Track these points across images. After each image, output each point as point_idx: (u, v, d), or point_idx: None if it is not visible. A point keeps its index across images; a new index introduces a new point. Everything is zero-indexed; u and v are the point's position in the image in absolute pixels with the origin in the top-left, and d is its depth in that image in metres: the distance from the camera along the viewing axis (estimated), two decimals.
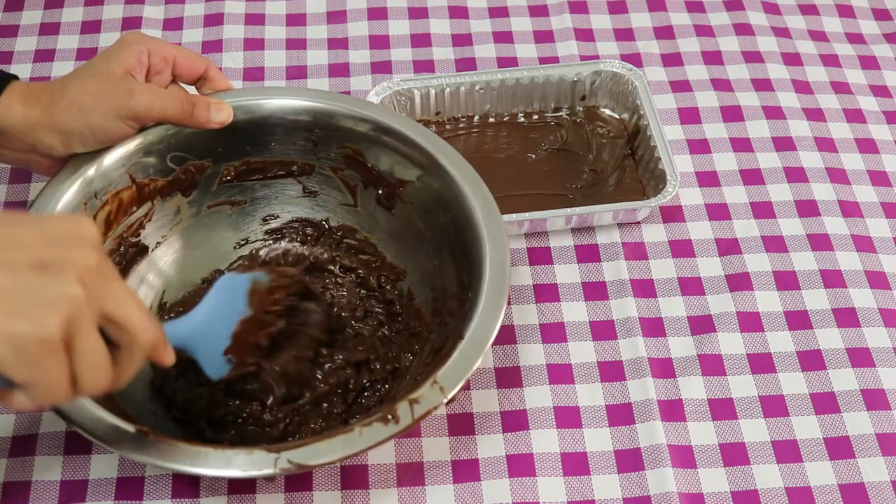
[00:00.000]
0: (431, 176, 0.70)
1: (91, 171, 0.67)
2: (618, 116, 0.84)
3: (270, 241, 0.76)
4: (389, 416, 0.58)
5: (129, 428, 0.57)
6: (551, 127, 0.84)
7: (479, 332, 0.61)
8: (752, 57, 0.91)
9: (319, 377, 0.68)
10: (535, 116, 0.85)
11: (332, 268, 0.75)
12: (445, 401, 0.59)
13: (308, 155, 0.74)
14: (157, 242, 0.72)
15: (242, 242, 0.76)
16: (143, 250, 0.71)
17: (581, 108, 0.85)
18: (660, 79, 0.89)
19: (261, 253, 0.75)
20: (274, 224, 0.76)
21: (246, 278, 0.66)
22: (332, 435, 0.57)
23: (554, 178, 0.81)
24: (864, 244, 0.79)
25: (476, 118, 0.85)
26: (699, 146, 0.84)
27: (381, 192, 0.73)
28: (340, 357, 0.69)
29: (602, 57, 0.90)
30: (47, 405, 0.54)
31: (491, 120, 0.85)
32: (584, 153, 0.82)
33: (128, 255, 0.71)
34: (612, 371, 0.71)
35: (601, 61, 0.84)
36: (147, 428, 0.57)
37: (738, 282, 0.76)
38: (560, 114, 0.85)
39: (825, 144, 0.85)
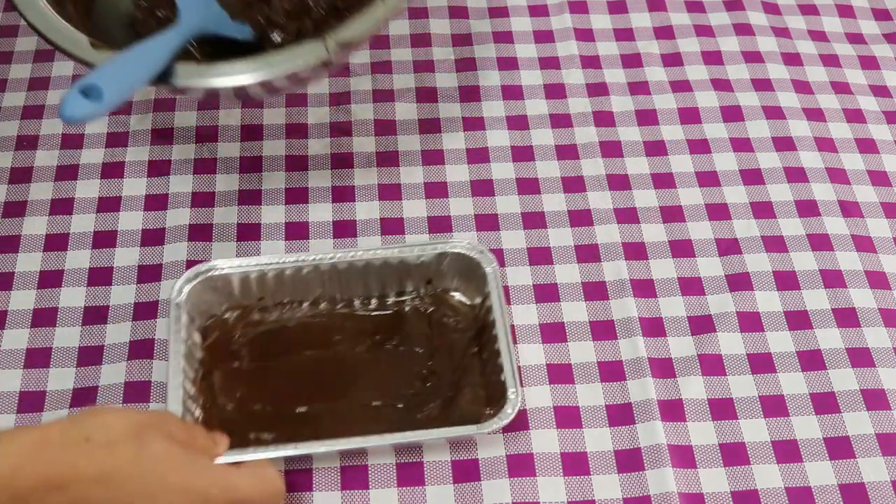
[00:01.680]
0: None
1: None
2: (468, 302, 0.73)
3: None
4: None
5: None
6: (390, 316, 0.73)
7: None
8: (752, 57, 0.91)
9: (311, 4, 0.76)
10: (375, 302, 0.73)
11: None
12: None
13: None
14: None
15: None
16: None
17: (428, 294, 0.73)
18: (660, 79, 0.89)
19: None
20: None
21: None
22: (363, 12, 0.66)
23: (386, 382, 0.70)
24: (864, 244, 0.79)
25: (305, 304, 0.73)
26: (699, 146, 0.84)
27: None
28: None
29: (458, 233, 0.74)
30: None
31: (322, 306, 0.73)
32: (425, 350, 0.71)
33: None
34: (612, 371, 0.71)
35: (448, 242, 0.72)
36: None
37: (738, 282, 0.76)
38: (403, 298, 0.73)
39: (825, 144, 0.85)
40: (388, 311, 0.73)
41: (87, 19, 0.74)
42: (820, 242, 0.78)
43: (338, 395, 0.69)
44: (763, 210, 0.80)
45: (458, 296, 0.73)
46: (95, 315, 0.73)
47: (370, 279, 0.73)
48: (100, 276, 0.75)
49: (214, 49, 0.75)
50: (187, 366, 0.67)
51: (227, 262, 0.71)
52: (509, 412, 0.65)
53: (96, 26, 0.74)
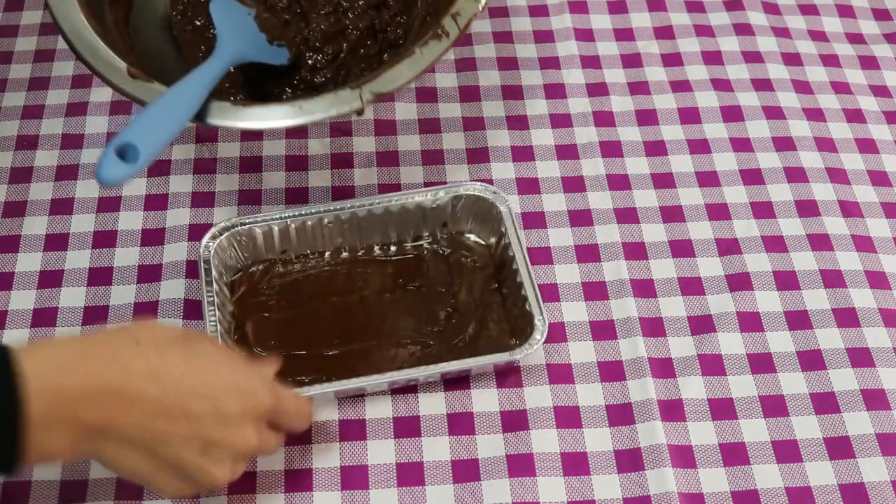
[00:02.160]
0: None
1: None
2: (483, 242, 0.76)
3: None
4: (440, 32, 0.67)
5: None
6: (410, 260, 0.76)
7: None
8: (752, 57, 0.91)
9: (349, 25, 0.77)
10: (394, 248, 0.76)
11: None
12: (481, 6, 0.67)
13: None
14: None
15: None
16: None
17: (443, 237, 0.76)
18: (660, 79, 0.89)
19: None
20: None
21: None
22: (398, 61, 0.67)
23: (413, 322, 0.73)
24: (864, 244, 0.79)
25: (327, 254, 0.75)
26: (699, 146, 0.84)
27: None
28: (360, 1, 0.77)
29: (472, 175, 0.78)
30: None
31: (344, 255, 0.75)
32: (447, 290, 0.74)
33: None
34: (612, 371, 0.71)
35: (462, 185, 0.75)
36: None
37: (738, 282, 0.76)
38: (420, 243, 0.76)
39: (825, 144, 0.85)
40: (408, 256, 0.76)
41: (125, 26, 0.75)
42: (820, 242, 0.78)
43: (367, 337, 0.72)
44: (763, 210, 0.80)
45: (473, 237, 0.76)
46: (95, 315, 0.73)
47: (389, 226, 0.76)
48: (100, 276, 0.75)
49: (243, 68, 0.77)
50: (221, 317, 0.70)
51: (251, 217, 0.74)
52: (538, 338, 0.68)
53: (134, 27, 0.76)
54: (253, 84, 0.78)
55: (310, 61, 0.78)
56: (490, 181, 0.80)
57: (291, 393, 0.63)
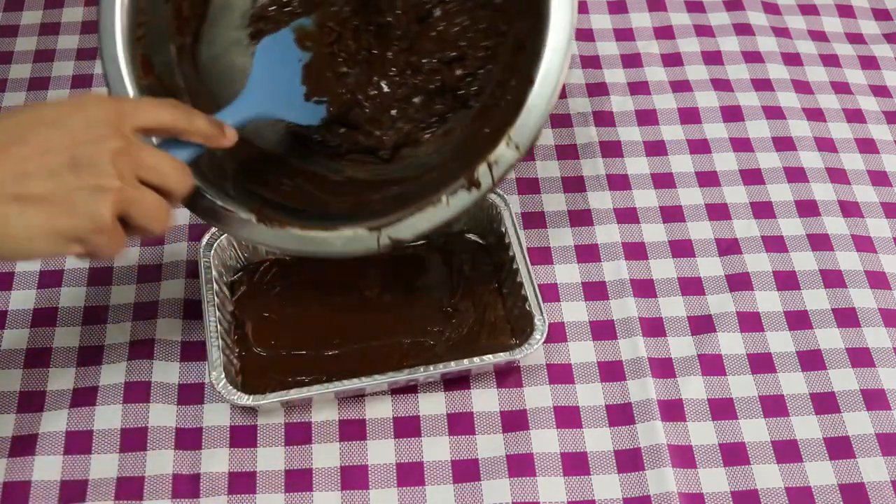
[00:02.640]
0: None
1: None
2: (483, 242, 0.76)
3: None
4: (473, 180, 0.62)
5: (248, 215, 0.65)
6: (410, 260, 0.75)
7: (547, 77, 0.61)
8: (752, 57, 0.91)
9: (419, 82, 0.71)
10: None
11: None
12: (520, 157, 0.62)
13: None
14: None
15: None
16: None
17: (443, 237, 0.76)
18: (660, 79, 0.89)
19: None
20: None
21: (285, 32, 0.68)
22: (423, 207, 0.63)
23: (413, 321, 0.72)
24: (864, 244, 0.79)
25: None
26: (699, 146, 0.84)
27: None
28: (435, 59, 0.70)
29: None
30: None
31: None
32: (447, 290, 0.74)
33: None
34: (612, 371, 0.71)
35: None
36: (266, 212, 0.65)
37: (738, 282, 0.76)
38: (420, 243, 0.75)
39: (825, 144, 0.85)
40: (408, 255, 0.75)
41: (189, 56, 0.71)
42: (820, 242, 0.78)
43: (367, 337, 0.72)
44: (763, 210, 0.80)
45: (473, 237, 0.76)
46: (95, 315, 0.73)
47: None
48: (100, 276, 0.75)
49: None
50: (221, 317, 0.70)
51: None
52: (538, 338, 0.68)
53: (209, 41, 0.72)
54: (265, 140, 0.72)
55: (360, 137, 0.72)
56: None
57: (168, 159, 0.58)
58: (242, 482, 0.66)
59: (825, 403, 0.70)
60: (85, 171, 0.53)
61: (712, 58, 0.91)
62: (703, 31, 0.93)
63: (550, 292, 0.75)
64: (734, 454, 0.68)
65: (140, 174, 0.56)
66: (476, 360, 0.68)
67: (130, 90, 0.65)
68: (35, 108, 0.58)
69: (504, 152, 0.62)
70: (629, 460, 0.67)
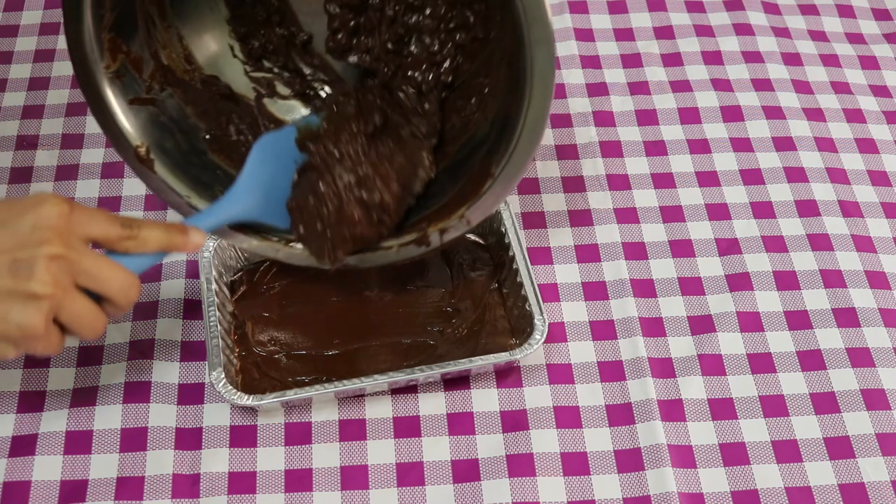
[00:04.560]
0: None
1: None
2: (483, 242, 0.77)
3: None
4: (422, 241, 0.69)
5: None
6: (410, 260, 0.73)
7: (510, 172, 0.65)
8: (752, 57, 0.91)
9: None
10: None
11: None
12: (469, 229, 0.68)
13: None
14: None
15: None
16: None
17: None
18: (660, 79, 0.89)
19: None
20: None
21: (289, 129, 0.69)
22: (375, 249, 0.69)
23: (414, 320, 0.73)
24: (864, 244, 0.79)
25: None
26: (699, 146, 0.84)
27: None
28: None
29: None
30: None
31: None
32: (447, 290, 0.74)
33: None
34: (612, 371, 0.71)
35: None
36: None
37: (738, 282, 0.76)
38: None
39: (825, 144, 0.85)
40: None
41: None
42: (820, 242, 0.78)
43: (367, 336, 0.72)
44: (763, 210, 0.80)
45: (473, 237, 0.77)
46: None
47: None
48: None
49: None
50: (221, 317, 0.70)
51: None
52: (538, 338, 0.68)
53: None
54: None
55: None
56: None
57: (115, 269, 0.58)
58: (242, 482, 0.66)
59: (825, 403, 0.70)
60: (21, 275, 0.54)
61: (712, 58, 0.91)
62: (703, 31, 0.93)
63: (550, 292, 0.75)
64: (734, 454, 0.68)
65: (79, 280, 0.56)
66: (476, 360, 0.68)
67: None
68: None
69: (456, 224, 0.68)
70: (629, 460, 0.67)
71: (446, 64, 0.71)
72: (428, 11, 0.70)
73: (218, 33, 0.75)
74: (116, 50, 0.67)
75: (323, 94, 0.77)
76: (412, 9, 0.70)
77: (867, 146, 0.85)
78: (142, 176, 0.70)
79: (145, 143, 0.69)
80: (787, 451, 0.68)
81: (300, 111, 0.77)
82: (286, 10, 0.74)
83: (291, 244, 0.71)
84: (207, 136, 0.72)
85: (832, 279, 0.76)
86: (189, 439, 0.67)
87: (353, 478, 0.66)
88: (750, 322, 0.74)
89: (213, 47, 0.74)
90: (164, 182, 0.70)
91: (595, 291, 0.75)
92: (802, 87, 0.89)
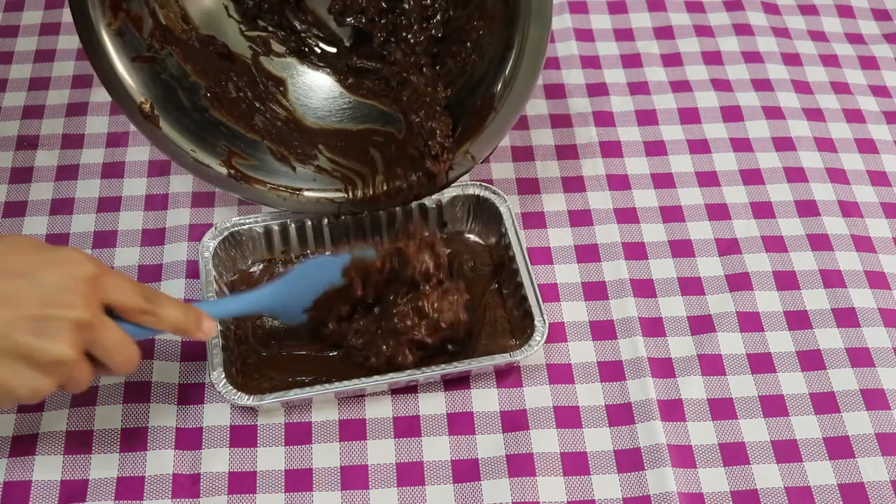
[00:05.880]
0: None
1: None
2: (483, 242, 0.77)
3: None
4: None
5: None
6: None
7: (512, 103, 0.68)
8: (752, 57, 0.91)
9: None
10: None
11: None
12: (472, 166, 0.72)
13: None
14: None
15: None
16: None
17: (443, 237, 0.77)
18: (660, 79, 0.89)
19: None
20: None
21: (343, 257, 0.69)
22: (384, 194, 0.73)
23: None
24: (864, 244, 0.79)
25: (327, 254, 0.75)
26: (699, 146, 0.84)
27: None
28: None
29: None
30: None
31: None
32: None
33: None
34: (612, 371, 0.71)
35: (462, 185, 0.76)
36: None
37: (738, 282, 0.76)
38: None
39: (825, 144, 0.85)
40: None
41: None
42: (820, 242, 0.78)
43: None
44: (763, 210, 0.80)
45: (473, 237, 0.77)
46: None
47: (390, 226, 0.76)
48: None
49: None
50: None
51: (251, 217, 0.75)
52: (538, 338, 0.68)
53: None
54: None
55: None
56: (490, 181, 0.80)
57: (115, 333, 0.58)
58: (242, 482, 0.66)
59: (825, 403, 0.70)
60: (44, 337, 0.54)
61: (712, 58, 0.91)
62: (703, 31, 0.93)
63: (550, 292, 0.75)
64: (734, 454, 0.68)
65: (91, 349, 0.57)
66: (476, 360, 0.68)
67: None
68: (9, 249, 0.57)
69: (461, 160, 0.71)
70: (629, 460, 0.67)
71: (437, 17, 0.74)
72: None
73: None
74: (117, 7, 0.69)
75: (318, 51, 0.79)
76: None
77: (867, 146, 0.85)
78: (146, 132, 0.72)
79: (149, 100, 0.71)
80: (786, 451, 0.68)
81: (296, 68, 0.78)
82: None
83: (298, 194, 0.73)
84: (208, 94, 0.74)
85: (832, 279, 0.76)
86: (189, 439, 0.67)
87: (353, 478, 0.66)
88: (750, 322, 0.74)
89: (208, 7, 0.76)
90: (169, 138, 0.72)
91: (595, 291, 0.75)
92: (802, 87, 0.89)
